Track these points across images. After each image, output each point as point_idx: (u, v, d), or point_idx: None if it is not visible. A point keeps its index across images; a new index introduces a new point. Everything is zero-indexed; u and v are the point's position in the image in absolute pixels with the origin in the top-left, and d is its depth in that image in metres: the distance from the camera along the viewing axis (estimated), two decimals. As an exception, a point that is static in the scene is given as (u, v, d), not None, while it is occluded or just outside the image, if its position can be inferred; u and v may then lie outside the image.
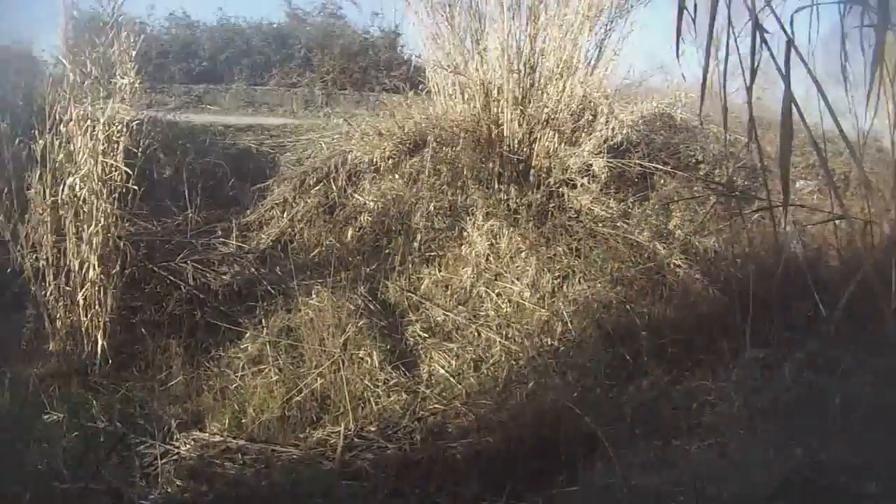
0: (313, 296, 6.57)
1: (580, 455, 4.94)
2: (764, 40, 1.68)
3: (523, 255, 7.23)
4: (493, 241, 7.28)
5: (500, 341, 6.51)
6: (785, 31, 1.66)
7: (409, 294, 6.99)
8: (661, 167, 8.36)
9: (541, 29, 7.79)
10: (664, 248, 7.61)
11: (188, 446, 5.25)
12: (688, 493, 3.49)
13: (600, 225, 7.70)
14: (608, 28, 8.32)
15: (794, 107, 1.59)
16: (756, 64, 1.73)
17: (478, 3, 7.95)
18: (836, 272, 7.56)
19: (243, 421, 5.57)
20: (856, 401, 3.88)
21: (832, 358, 5.34)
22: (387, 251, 7.39)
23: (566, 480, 4.75)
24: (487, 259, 7.20)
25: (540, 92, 7.85)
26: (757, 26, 1.68)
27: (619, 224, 7.76)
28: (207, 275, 6.90)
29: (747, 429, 4.83)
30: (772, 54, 1.69)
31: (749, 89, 1.79)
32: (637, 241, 7.65)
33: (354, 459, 5.21)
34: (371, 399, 5.86)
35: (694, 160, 8.83)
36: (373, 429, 5.59)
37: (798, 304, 6.81)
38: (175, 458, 5.14)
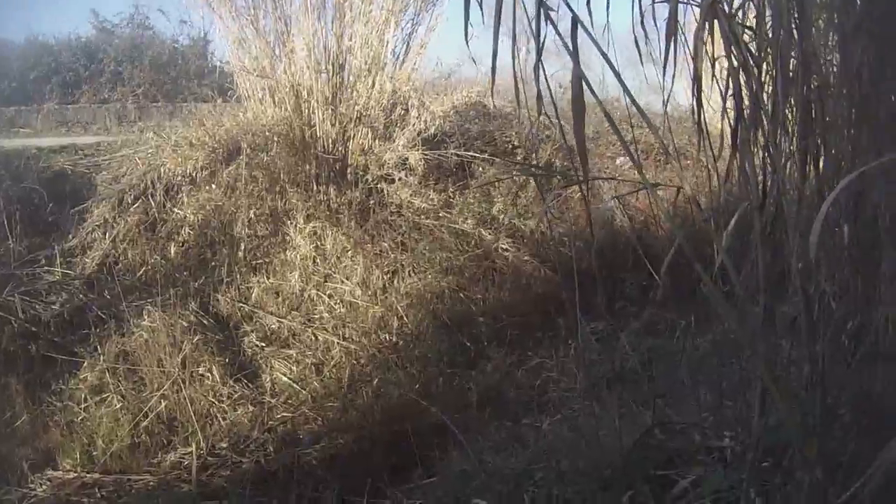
0: (145, 317, 6.18)
1: (433, 445, 4.86)
2: (549, 18, 1.69)
3: (349, 254, 7.08)
4: (318, 243, 7.09)
5: (338, 342, 6.35)
6: (570, 8, 1.69)
7: (241, 304, 6.71)
8: (478, 155, 8.36)
9: (347, 26, 7.65)
10: (490, 233, 7.62)
11: (44, 487, 4.93)
12: (545, 469, 3.45)
13: (423, 217, 7.63)
14: (415, 22, 8.31)
15: (585, 84, 1.62)
16: (542, 42, 1.73)
17: (283, 4, 7.70)
18: (665, 241, 7.85)
19: (94, 453, 5.23)
20: (697, 360, 3.98)
21: (668, 322, 5.47)
22: (213, 263, 7.06)
23: (423, 473, 4.63)
24: (314, 261, 7.00)
25: (350, 90, 7.73)
26: (541, 4, 1.68)
27: (441, 214, 7.71)
28: (37, 306, 6.36)
29: (594, 399, 4.88)
30: (558, 32, 1.72)
31: (536, 67, 1.78)
32: (462, 229, 7.63)
33: (211, 478, 4.99)
34: (218, 415, 5.60)
35: (511, 146, 8.86)
36: (224, 445, 5.35)
37: (631, 274, 7.01)
38: (33, 500, 4.83)
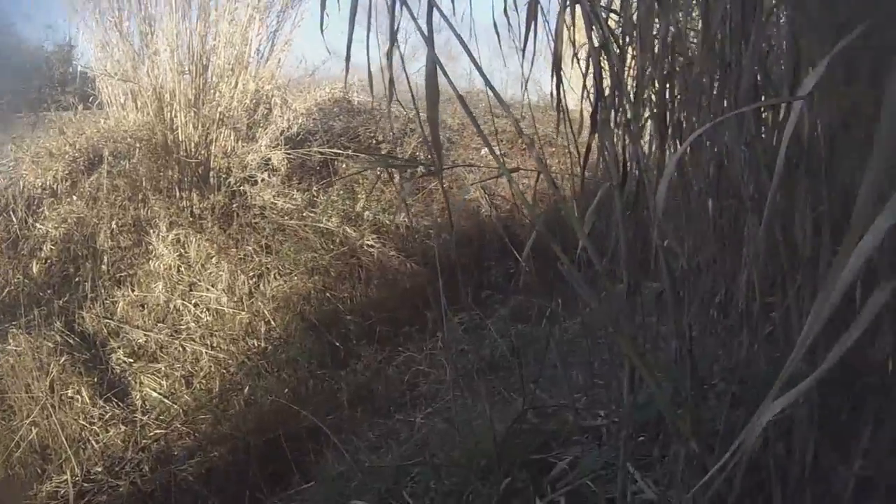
0: (10, 340, 6.05)
1: (309, 450, 4.97)
2: (405, 4, 1.69)
3: (214, 260, 7.06)
4: (182, 250, 7.05)
5: (206, 352, 6.36)
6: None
7: (107, 320, 6.62)
8: (341, 152, 8.43)
9: (211, 25, 7.58)
10: (354, 230, 7.71)
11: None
12: (420, 463, 3.53)
13: (287, 218, 7.66)
14: (280, 19, 8.29)
15: (442, 73, 1.61)
16: (397, 26, 1.75)
17: (148, 4, 7.56)
18: (531, 228, 8.02)
19: None
20: (567, 343, 4.05)
21: (536, 309, 5.55)
22: (77, 279, 6.92)
23: (301, 478, 4.70)
24: (178, 270, 6.96)
25: (213, 91, 7.67)
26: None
27: (305, 214, 7.75)
28: None
29: (466, 390, 4.98)
30: (411, 14, 1.72)
31: (389, 52, 1.85)
32: (327, 227, 7.69)
33: None
34: (90, 438, 5.56)
35: (374, 141, 8.96)
36: (99, 469, 5.32)
37: (497, 263, 7.18)
38: None
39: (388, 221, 7.96)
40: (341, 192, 8.06)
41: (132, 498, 4.96)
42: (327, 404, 5.74)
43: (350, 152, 8.52)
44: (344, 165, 8.44)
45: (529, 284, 6.21)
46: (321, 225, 7.67)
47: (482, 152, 9.05)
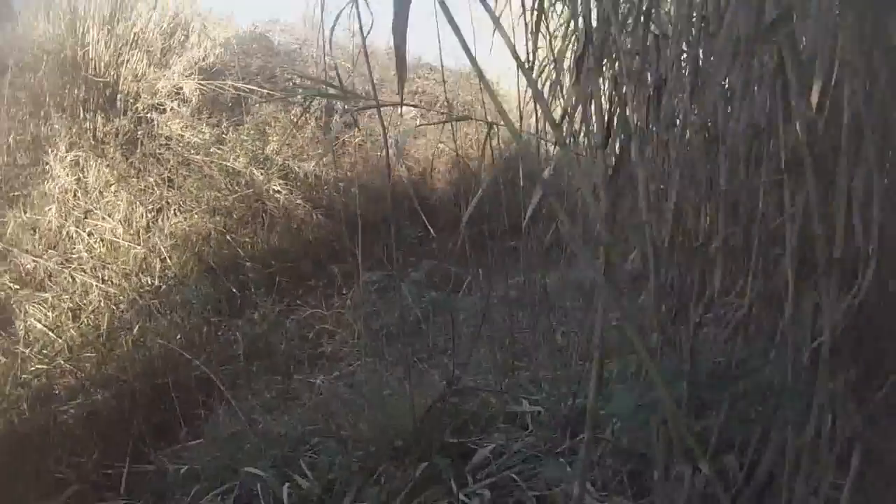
0: None
1: (198, 402, 4.85)
2: None
3: (113, 188, 6.72)
4: (80, 174, 6.68)
5: (96, 285, 6.07)
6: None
7: (-4, 240, 6.25)
8: (257, 89, 8.16)
9: (133, -60, 7.17)
10: (262, 174, 7.49)
11: None
12: (321, 431, 3.36)
13: (193, 152, 7.36)
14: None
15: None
16: None
17: None
18: (443, 194, 7.96)
19: None
20: (479, 313, 3.82)
21: (451, 276, 5.49)
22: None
23: (189, 433, 4.56)
24: (75, 195, 6.60)
25: (130, 10, 7.26)
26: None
27: (213, 150, 7.46)
28: None
29: (373, 354, 4.86)
30: None
31: None
32: (233, 167, 7.44)
33: None
34: None
35: (292, 83, 8.70)
36: (-28, 403, 5.00)
37: (408, 225, 7.05)
38: None
39: (297, 168, 7.77)
40: (252, 132, 7.77)
41: (8, 437, 4.60)
42: (221, 354, 5.56)
43: (266, 91, 8.23)
44: (257, 106, 8.15)
45: (445, 250, 6.21)
46: (228, 164, 7.40)
47: (400, 111, 8.90)
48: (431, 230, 4.25)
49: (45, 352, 5.50)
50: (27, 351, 5.45)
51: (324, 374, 5.07)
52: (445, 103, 8.00)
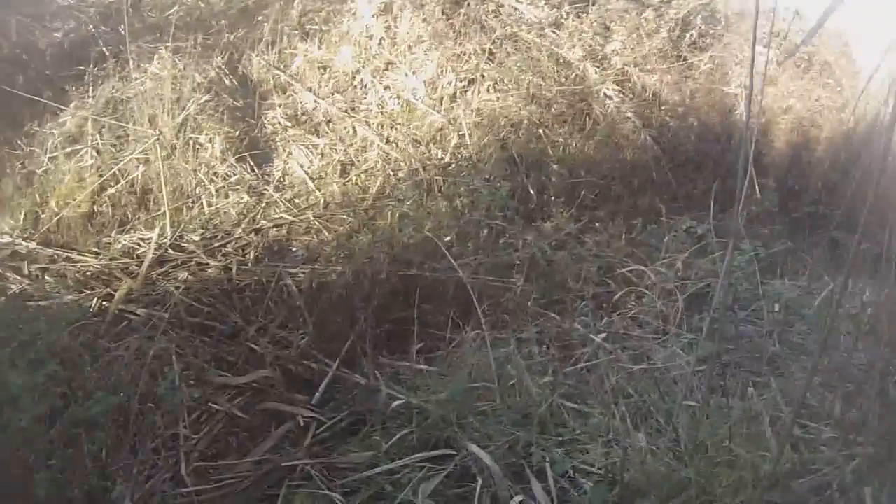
0: (154, 61, 5.12)
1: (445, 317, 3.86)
2: None
3: (424, 46, 5.82)
4: (392, 23, 5.81)
5: (378, 144, 5.24)
6: None
7: (278, 72, 5.55)
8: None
9: None
10: (597, 72, 6.28)
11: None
12: None
13: (525, 29, 6.27)
14: None
15: None
16: None
17: None
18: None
19: (42, 216, 4.36)
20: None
21: None
22: (259, 17, 5.89)
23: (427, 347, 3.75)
24: (380, 43, 5.75)
25: None
26: None
27: (547, 32, 6.35)
28: (36, 31, 5.40)
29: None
30: None
31: None
32: (565, 57, 6.27)
33: (162, 279, 3.86)
34: (203, 198, 4.59)
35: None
36: (196, 238, 4.28)
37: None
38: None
39: (636, 77, 6.44)
40: (595, 24, 6.56)
41: (216, 290, 3.84)
42: (495, 261, 4.40)
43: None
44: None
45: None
46: (561, 52, 6.25)
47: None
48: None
49: (296, 201, 4.73)
50: (277, 195, 4.64)
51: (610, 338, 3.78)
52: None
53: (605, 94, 6.23)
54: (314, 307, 3.80)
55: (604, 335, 3.78)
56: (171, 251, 4.09)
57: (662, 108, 6.52)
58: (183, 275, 3.84)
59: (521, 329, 3.87)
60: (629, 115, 6.23)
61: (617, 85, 6.36)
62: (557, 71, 6.18)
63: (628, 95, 6.38)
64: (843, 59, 7.58)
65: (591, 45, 6.48)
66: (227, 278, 3.90)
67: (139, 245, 4.13)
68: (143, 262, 3.89)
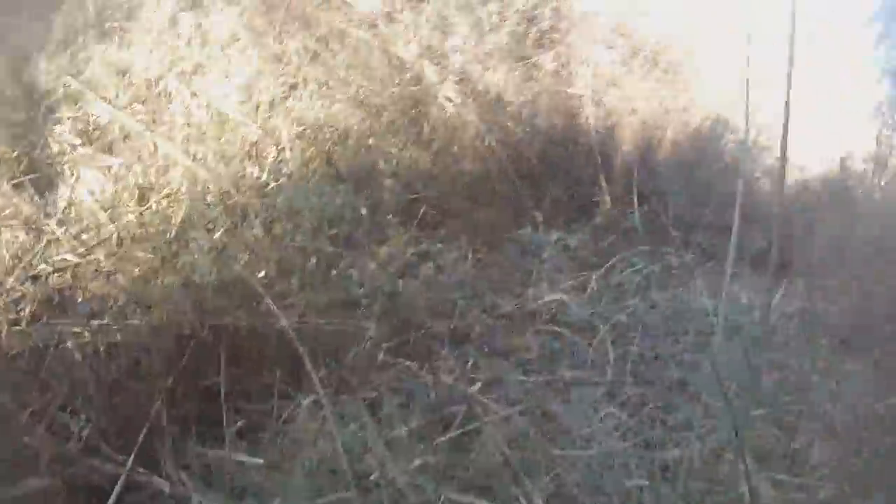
0: None
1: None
2: None
3: (239, 45, 5.25)
4: (203, 18, 5.23)
5: (183, 162, 4.63)
6: None
7: (69, 78, 4.85)
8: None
9: None
10: (435, 72, 5.89)
11: None
12: None
13: (352, 24, 5.81)
14: None
15: None
16: None
17: None
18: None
19: None
20: None
21: None
22: (50, 17, 5.17)
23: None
24: (189, 43, 5.14)
25: None
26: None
27: (380, 28, 5.90)
28: None
29: None
30: None
31: None
32: (400, 55, 5.88)
33: None
34: None
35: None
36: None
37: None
38: None
39: (476, 76, 6.10)
40: (433, 17, 6.14)
41: None
42: (324, 297, 3.91)
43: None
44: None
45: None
46: (395, 49, 5.86)
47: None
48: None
49: (82, 237, 4.03)
50: (60, 231, 3.93)
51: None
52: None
53: (445, 96, 5.82)
54: (103, 379, 3.17)
55: (478, 385, 3.35)
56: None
57: (507, 110, 6.15)
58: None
59: (372, 387, 3.36)
60: (471, 118, 5.85)
61: (458, 85, 5.97)
62: (391, 72, 5.77)
63: (469, 97, 5.98)
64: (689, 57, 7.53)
65: (428, 42, 6.07)
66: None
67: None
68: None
